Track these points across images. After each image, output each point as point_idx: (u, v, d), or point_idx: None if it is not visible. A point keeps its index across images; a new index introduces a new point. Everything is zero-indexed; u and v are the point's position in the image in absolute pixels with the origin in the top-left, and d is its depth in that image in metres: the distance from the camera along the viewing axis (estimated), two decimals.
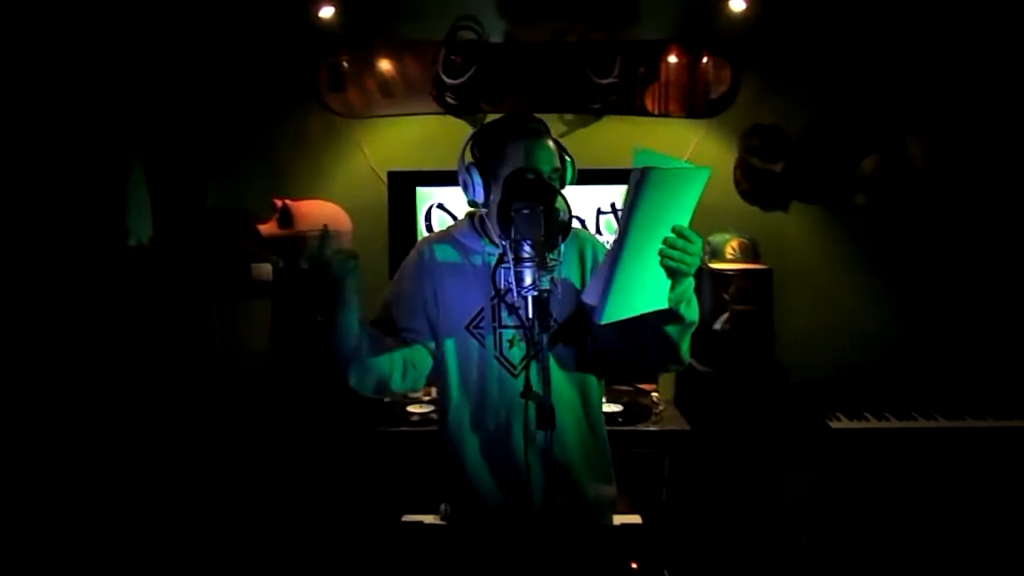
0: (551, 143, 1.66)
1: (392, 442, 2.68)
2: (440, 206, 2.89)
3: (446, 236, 1.81)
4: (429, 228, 2.89)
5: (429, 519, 2.68)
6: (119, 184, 2.68)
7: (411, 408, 2.82)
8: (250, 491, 2.90)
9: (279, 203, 2.64)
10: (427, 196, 2.89)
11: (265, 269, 3.02)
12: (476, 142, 1.68)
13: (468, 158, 1.67)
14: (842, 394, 2.92)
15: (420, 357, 1.73)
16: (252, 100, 3.00)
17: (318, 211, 2.69)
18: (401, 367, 1.69)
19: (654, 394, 2.91)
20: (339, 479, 2.70)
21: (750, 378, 2.72)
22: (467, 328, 1.72)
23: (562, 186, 1.67)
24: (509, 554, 1.74)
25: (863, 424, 2.78)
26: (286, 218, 2.62)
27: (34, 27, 2.40)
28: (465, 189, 1.68)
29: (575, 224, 1.74)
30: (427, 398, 2.95)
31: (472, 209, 1.78)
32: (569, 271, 1.76)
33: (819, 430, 2.79)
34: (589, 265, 1.78)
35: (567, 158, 1.69)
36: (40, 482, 2.38)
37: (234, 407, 3.02)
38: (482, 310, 1.71)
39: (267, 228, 2.63)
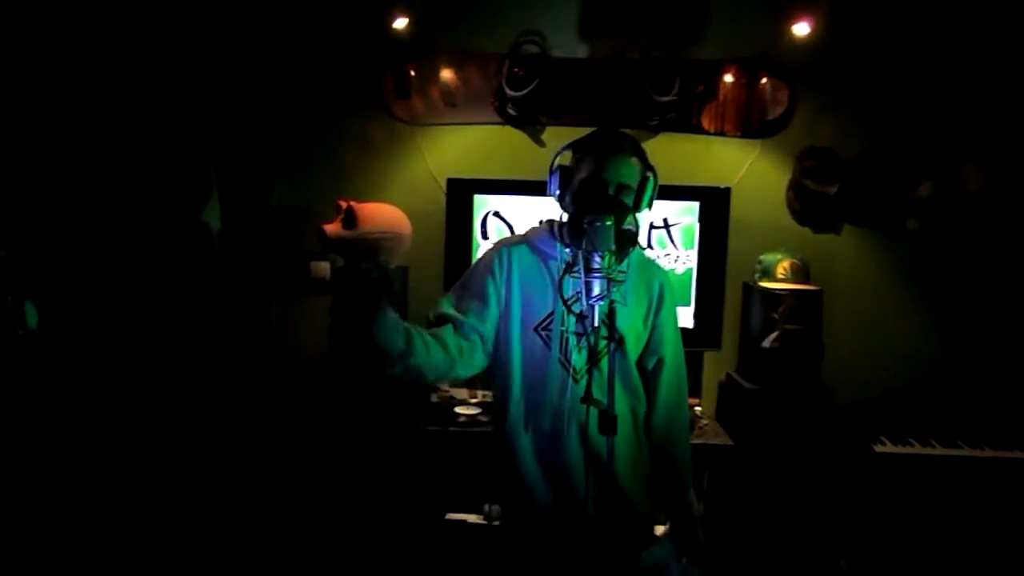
0: (633, 159, 1.72)
1: (439, 441, 2.75)
2: (496, 214, 2.96)
3: (523, 240, 1.86)
4: (484, 235, 2.97)
5: (472, 518, 2.76)
6: (192, 181, 2.81)
7: (459, 409, 2.90)
8: (300, 485, 2.99)
9: (344, 204, 2.74)
10: (484, 204, 2.97)
11: (324, 267, 3.12)
12: (568, 151, 1.78)
13: (556, 164, 1.77)
14: (887, 418, 2.92)
15: (477, 355, 1.77)
16: (320, 104, 3.10)
17: (380, 214, 2.79)
18: (457, 361, 1.70)
19: (697, 408, 2.95)
20: (386, 476, 2.77)
21: (796, 397, 2.74)
22: (535, 330, 1.78)
23: (638, 200, 1.74)
24: (560, 556, 1.80)
25: (908, 450, 2.78)
26: (350, 219, 2.72)
27: (116, 37, 2.54)
28: (548, 189, 1.77)
29: (651, 255, 1.81)
30: (474, 400, 3.03)
31: (551, 218, 1.84)
32: (637, 293, 1.82)
33: (863, 453, 2.79)
34: (656, 293, 1.84)
35: (649, 174, 1.75)
36: (97, 473, 2.51)
37: (288, 402, 3.12)
38: (551, 313, 1.77)
39: (332, 228, 2.73)
